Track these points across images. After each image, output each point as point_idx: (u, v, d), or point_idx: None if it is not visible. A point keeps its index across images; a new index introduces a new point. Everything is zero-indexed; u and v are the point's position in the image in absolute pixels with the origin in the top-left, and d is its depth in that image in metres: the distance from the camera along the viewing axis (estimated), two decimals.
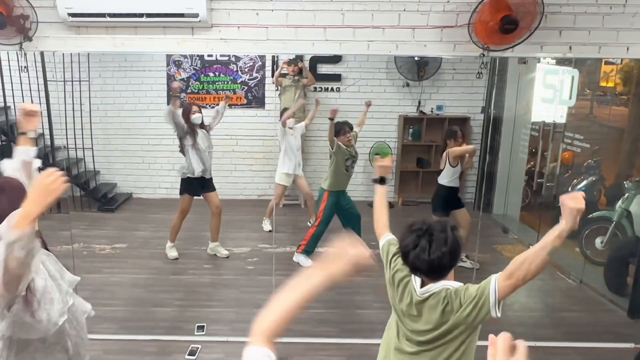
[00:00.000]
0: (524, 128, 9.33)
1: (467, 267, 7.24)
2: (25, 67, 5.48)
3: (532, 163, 9.25)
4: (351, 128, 7.44)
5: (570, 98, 7.89)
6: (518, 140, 9.40)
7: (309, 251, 7.56)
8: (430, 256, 2.86)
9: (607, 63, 8.34)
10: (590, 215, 7.84)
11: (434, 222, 2.95)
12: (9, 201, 2.70)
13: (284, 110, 8.61)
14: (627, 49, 5.22)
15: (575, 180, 8.79)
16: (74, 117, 9.16)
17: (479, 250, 6.58)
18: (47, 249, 3.09)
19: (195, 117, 7.42)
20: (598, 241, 7.58)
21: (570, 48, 5.22)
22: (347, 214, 7.61)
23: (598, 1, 5.08)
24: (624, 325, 6.39)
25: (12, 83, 8.70)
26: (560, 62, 7.78)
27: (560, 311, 6.84)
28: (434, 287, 2.99)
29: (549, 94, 8.23)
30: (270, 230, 8.87)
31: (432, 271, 2.95)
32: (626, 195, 7.35)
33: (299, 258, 7.61)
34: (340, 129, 7.35)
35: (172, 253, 7.89)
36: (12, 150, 9.07)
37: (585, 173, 8.73)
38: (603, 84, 8.78)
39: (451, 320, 2.98)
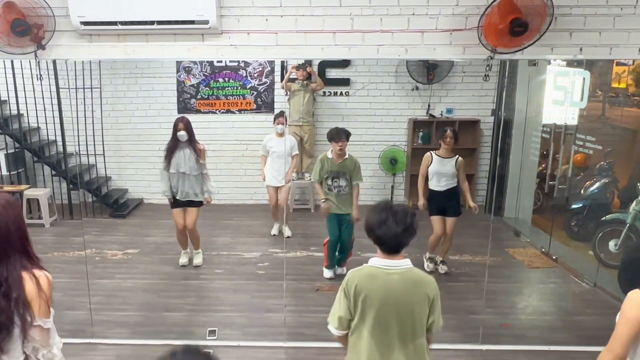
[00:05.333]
0: (535, 130, 9.30)
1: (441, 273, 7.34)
2: (40, 75, 5.51)
3: (543, 165, 9.23)
4: (348, 137, 7.09)
5: (581, 100, 7.85)
6: (529, 142, 9.37)
7: (329, 265, 7.53)
8: (397, 230, 3.27)
9: (618, 64, 8.32)
10: (604, 217, 7.81)
11: (395, 204, 3.42)
12: None
13: (280, 113, 8.58)
14: (639, 50, 5.20)
15: (587, 183, 8.76)
16: (85, 123, 9.19)
17: (491, 254, 6.56)
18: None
19: (179, 135, 7.27)
20: (612, 244, 7.55)
21: (580, 50, 5.19)
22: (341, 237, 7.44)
23: (608, 2, 5.06)
24: None
25: (25, 91, 8.76)
26: (571, 63, 7.75)
27: (574, 315, 6.81)
28: (403, 262, 3.38)
29: (559, 96, 8.19)
30: (274, 235, 8.87)
31: (397, 244, 3.33)
32: None
33: (324, 271, 7.56)
34: (336, 135, 7.05)
35: (181, 260, 7.92)
36: (25, 156, 9.17)
37: (597, 175, 8.70)
38: (615, 85, 8.76)
39: (425, 302, 3.38)
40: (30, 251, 2.88)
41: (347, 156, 7.16)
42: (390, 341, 3.37)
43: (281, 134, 8.35)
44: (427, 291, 3.37)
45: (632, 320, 2.94)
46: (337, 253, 7.48)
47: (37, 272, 2.80)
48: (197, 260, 7.89)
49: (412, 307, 3.34)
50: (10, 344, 2.74)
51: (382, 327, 3.36)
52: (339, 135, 7.01)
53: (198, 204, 7.57)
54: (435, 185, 7.36)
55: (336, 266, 7.53)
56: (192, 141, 7.34)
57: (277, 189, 8.70)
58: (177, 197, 7.47)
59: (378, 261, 3.38)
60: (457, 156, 7.32)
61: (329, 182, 7.23)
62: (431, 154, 7.39)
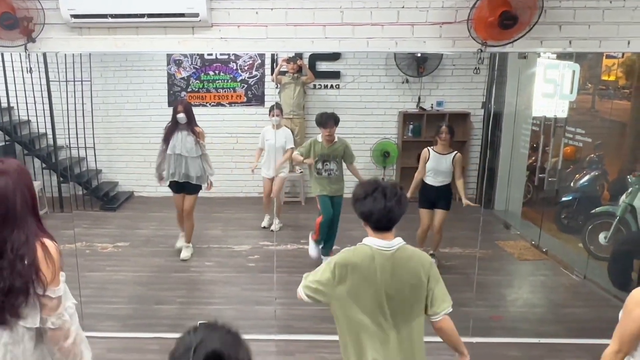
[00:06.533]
0: (525, 123, 9.31)
1: None
2: (30, 68, 5.51)
3: (533, 158, 9.24)
4: (336, 122, 7.19)
5: (571, 92, 7.87)
6: (519, 135, 9.39)
7: (319, 240, 7.53)
8: (386, 203, 3.16)
9: (608, 57, 8.33)
10: (594, 210, 7.84)
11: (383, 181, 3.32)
12: (13, 182, 2.78)
13: (275, 105, 8.57)
14: (628, 43, 5.21)
15: (577, 175, 8.78)
16: (75, 116, 9.17)
17: (481, 246, 6.57)
18: None
19: (179, 117, 7.34)
20: (602, 236, 7.57)
21: (570, 43, 5.21)
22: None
23: None
24: None
25: (15, 84, 8.73)
26: (561, 56, 7.77)
27: (564, 307, 6.83)
28: (395, 241, 3.26)
29: (549, 89, 8.20)
30: (265, 227, 8.87)
31: (386, 219, 3.21)
32: (630, 189, 7.34)
33: (310, 244, 7.56)
34: (325, 121, 7.14)
35: (178, 243, 8.00)
36: (15, 149, 9.11)
37: (587, 168, 8.73)
38: (605, 77, 8.77)
39: (417, 280, 3.28)
40: (39, 217, 2.94)
41: (336, 140, 7.26)
42: (384, 324, 3.27)
43: (276, 126, 8.35)
44: (419, 265, 3.26)
45: (637, 319, 2.88)
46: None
47: (46, 240, 2.84)
48: (184, 253, 7.86)
49: (404, 287, 3.23)
50: (27, 309, 2.76)
51: (375, 310, 3.25)
52: (328, 122, 7.11)
53: (195, 190, 7.61)
54: (431, 180, 7.37)
55: (322, 255, 7.55)
56: (190, 124, 7.39)
57: (271, 180, 8.71)
58: (175, 179, 7.50)
59: (371, 240, 3.27)
60: (455, 152, 7.31)
61: (319, 165, 7.31)
62: (429, 150, 7.40)
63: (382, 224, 3.23)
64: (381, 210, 3.17)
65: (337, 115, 7.29)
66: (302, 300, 3.40)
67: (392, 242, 3.24)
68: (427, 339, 3.40)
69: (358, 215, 3.29)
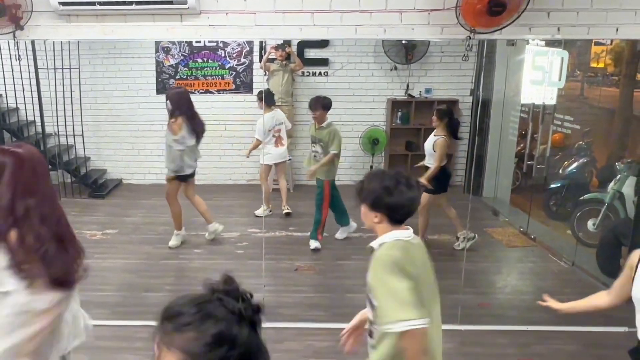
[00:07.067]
0: (514, 110, 9.31)
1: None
2: (18, 56, 5.49)
3: (522, 145, 9.24)
4: (324, 107, 7.39)
5: (559, 79, 7.89)
6: (507, 122, 9.39)
7: (311, 235, 7.73)
8: (412, 194, 3.04)
9: (597, 44, 8.33)
10: (582, 197, 7.86)
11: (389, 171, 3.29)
12: (32, 170, 2.86)
13: (263, 92, 8.57)
14: (617, 30, 5.20)
15: (566, 162, 8.80)
16: (64, 104, 9.15)
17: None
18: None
19: (166, 104, 7.37)
20: (590, 223, 7.59)
21: (558, 29, 5.20)
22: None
23: None
24: (617, 309, 6.34)
25: (3, 71, 8.68)
26: (550, 43, 7.77)
27: (552, 294, 6.74)
28: (412, 232, 3.16)
29: (538, 76, 8.21)
30: (258, 216, 8.85)
31: (411, 209, 3.11)
32: (618, 176, 7.36)
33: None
34: (313, 105, 7.42)
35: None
36: (3, 137, 9.02)
37: (576, 155, 8.74)
38: (594, 64, 8.78)
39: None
40: None
41: (324, 125, 7.39)
42: (435, 317, 3.24)
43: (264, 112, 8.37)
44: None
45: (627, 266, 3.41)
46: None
47: None
48: (173, 241, 7.88)
49: (431, 272, 3.21)
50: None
51: (427, 304, 3.12)
52: (315, 105, 7.37)
53: (169, 176, 7.63)
54: None
55: (311, 239, 7.61)
56: (171, 114, 7.35)
57: (266, 167, 8.75)
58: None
59: (397, 234, 3.06)
60: (439, 137, 7.32)
61: (312, 147, 7.55)
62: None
63: (406, 216, 3.11)
64: (410, 200, 3.04)
65: (329, 100, 7.46)
66: (416, 334, 2.93)
67: (411, 232, 3.14)
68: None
69: (382, 209, 3.05)
